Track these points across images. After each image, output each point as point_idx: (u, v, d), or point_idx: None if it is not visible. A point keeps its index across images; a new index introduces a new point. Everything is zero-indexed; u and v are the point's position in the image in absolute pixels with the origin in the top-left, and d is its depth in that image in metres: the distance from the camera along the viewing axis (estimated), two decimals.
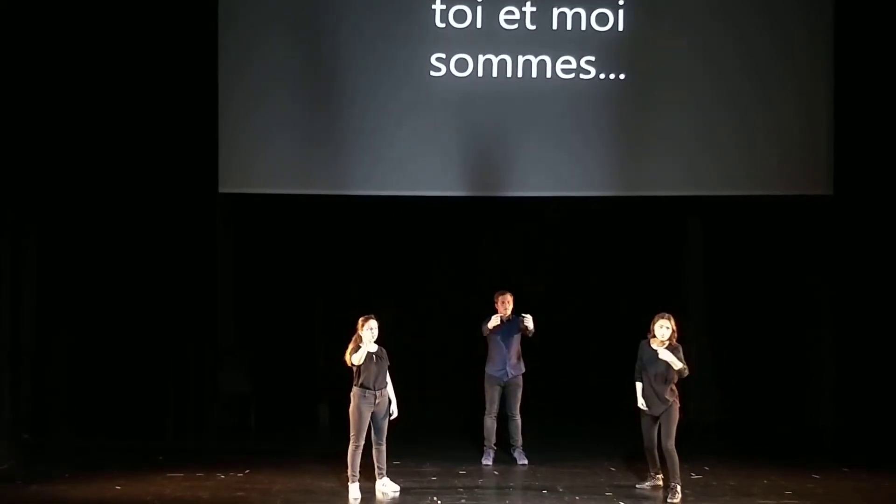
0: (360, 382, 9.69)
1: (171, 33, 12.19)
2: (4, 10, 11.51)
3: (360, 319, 9.74)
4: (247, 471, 10.62)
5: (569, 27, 12.33)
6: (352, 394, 9.72)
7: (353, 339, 9.73)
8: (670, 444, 9.71)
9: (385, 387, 9.78)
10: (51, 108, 12.04)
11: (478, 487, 10.18)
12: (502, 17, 12.33)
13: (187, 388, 12.47)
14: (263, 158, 12.26)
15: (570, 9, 12.32)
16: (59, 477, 10.40)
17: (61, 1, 12.01)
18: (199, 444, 12.00)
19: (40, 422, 12.07)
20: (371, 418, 9.71)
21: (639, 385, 9.95)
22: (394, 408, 9.88)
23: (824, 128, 12.36)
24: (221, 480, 10.30)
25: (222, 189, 12.30)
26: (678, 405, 9.75)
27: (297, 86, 12.29)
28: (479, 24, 12.33)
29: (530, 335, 10.95)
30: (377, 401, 9.70)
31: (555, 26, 12.33)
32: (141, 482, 10.19)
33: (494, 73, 12.32)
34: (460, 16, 12.32)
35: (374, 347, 9.75)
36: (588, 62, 12.34)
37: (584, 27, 12.34)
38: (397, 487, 9.91)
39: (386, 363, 9.80)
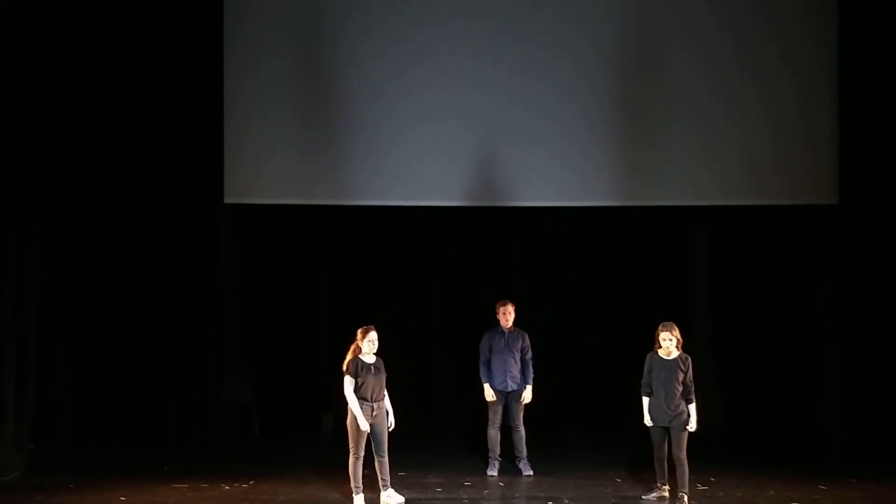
0: (357, 395, 9.66)
1: (177, 46, 12.20)
2: (4, 12, 11.48)
3: (360, 331, 9.74)
4: (251, 481, 10.62)
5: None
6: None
7: (352, 349, 9.72)
8: (682, 453, 9.72)
9: (382, 398, 9.75)
10: (56, 118, 12.04)
11: (482, 498, 10.17)
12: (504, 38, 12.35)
13: (191, 398, 12.45)
14: (268, 169, 12.28)
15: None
16: (63, 487, 10.41)
17: (66, 15, 12.01)
18: (203, 453, 11.98)
19: (44, 431, 12.04)
20: (370, 430, 9.69)
21: (646, 400, 9.92)
22: (391, 420, 9.85)
23: (829, 137, 12.33)
24: (226, 491, 10.30)
25: (227, 200, 12.32)
26: (688, 414, 9.76)
27: (301, 98, 12.29)
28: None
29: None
30: (374, 412, 9.68)
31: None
32: (145, 492, 10.20)
33: (496, 84, 12.30)
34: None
35: (373, 359, 9.73)
36: (591, 72, 12.32)
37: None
38: (402, 498, 9.89)
39: (384, 375, 9.77)
